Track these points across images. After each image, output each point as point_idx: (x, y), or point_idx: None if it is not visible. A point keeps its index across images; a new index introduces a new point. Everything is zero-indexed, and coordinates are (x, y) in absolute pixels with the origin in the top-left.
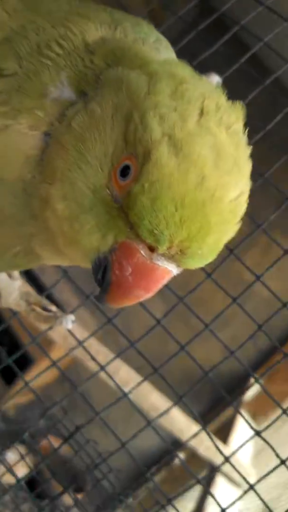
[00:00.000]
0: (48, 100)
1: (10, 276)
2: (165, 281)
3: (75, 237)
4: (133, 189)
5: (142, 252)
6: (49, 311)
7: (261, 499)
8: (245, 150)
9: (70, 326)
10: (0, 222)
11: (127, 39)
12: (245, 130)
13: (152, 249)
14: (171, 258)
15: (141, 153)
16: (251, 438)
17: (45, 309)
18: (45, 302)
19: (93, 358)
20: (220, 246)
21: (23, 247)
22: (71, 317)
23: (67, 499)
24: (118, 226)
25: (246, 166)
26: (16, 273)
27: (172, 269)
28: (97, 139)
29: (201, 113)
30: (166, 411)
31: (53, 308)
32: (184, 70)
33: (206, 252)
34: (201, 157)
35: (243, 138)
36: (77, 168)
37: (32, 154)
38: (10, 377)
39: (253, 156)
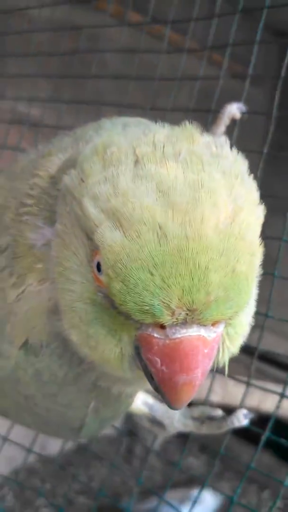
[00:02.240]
0: (36, 249)
1: None
2: (202, 349)
3: (102, 356)
4: (104, 281)
5: (156, 335)
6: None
7: None
8: (218, 163)
9: (245, 422)
10: (61, 390)
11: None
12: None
13: (162, 326)
14: (186, 322)
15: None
16: None
17: (211, 417)
18: (208, 409)
19: None
20: (241, 276)
21: (97, 398)
22: (243, 411)
23: None
24: (124, 322)
25: (227, 179)
26: None
27: (200, 333)
28: (70, 254)
29: (136, 162)
30: None
31: (219, 411)
32: (112, 135)
33: (223, 293)
34: (146, 209)
35: (208, 153)
36: (68, 292)
37: (52, 304)
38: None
39: None
